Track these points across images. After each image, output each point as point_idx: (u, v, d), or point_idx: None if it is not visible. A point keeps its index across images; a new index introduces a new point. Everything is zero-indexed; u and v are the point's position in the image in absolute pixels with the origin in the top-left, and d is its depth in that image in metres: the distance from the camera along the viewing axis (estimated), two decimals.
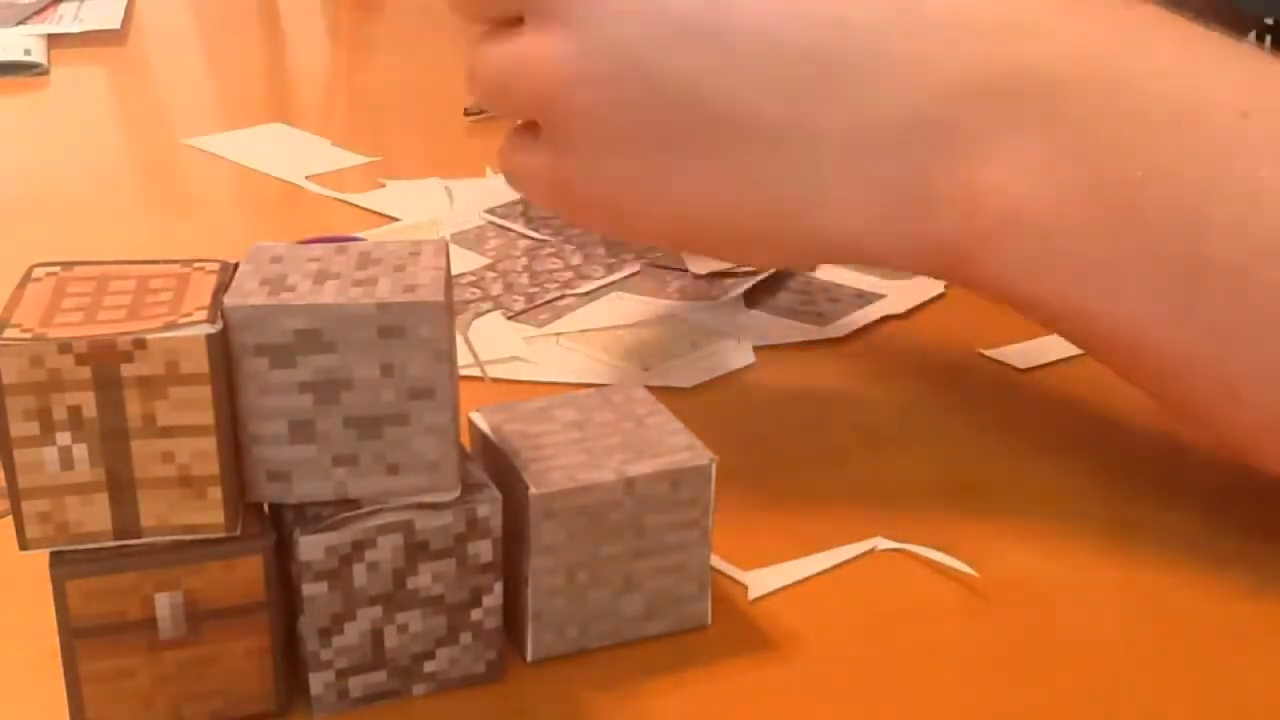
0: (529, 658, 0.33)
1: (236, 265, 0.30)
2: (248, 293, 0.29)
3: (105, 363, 0.27)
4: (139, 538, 0.29)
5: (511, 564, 0.32)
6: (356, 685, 0.31)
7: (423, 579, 0.30)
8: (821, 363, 0.48)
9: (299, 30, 0.98)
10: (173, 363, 0.27)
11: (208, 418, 0.28)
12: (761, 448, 0.43)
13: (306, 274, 0.30)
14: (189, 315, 0.28)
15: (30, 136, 0.74)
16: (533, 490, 0.31)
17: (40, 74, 0.84)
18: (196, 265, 0.30)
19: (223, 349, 0.28)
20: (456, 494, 0.30)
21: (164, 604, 0.29)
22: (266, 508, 0.30)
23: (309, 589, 0.30)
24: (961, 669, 0.33)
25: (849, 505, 0.39)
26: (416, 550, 0.30)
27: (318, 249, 0.31)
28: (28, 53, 0.86)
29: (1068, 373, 0.47)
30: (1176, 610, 0.35)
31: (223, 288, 0.29)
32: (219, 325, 0.28)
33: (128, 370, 0.27)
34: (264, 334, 0.28)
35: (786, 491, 0.40)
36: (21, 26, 0.92)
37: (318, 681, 0.30)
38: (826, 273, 0.54)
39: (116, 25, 0.93)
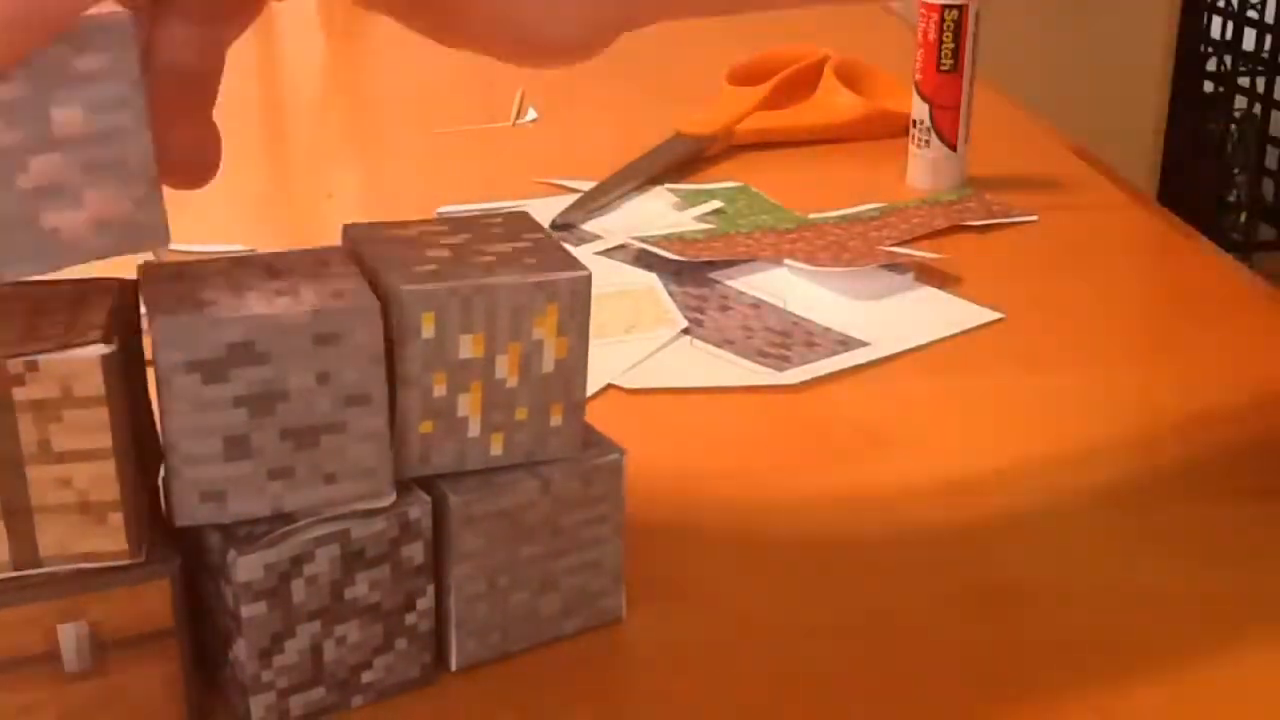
0: (453, 666, 0.33)
1: (135, 284, 0.30)
2: (171, 309, 0.28)
3: None
4: (38, 568, 0.28)
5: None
6: (297, 704, 0.31)
7: (359, 588, 0.31)
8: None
9: (294, 27, 0.97)
10: (67, 385, 0.27)
11: (105, 441, 0.27)
12: (759, 449, 0.44)
13: (219, 288, 0.29)
14: (83, 335, 0.27)
15: None
16: (452, 498, 0.32)
17: None
18: (92, 285, 0.30)
19: (120, 369, 0.27)
20: (392, 499, 0.30)
21: (68, 635, 0.28)
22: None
23: (248, 610, 0.29)
24: (963, 669, 0.34)
25: (847, 505, 0.40)
26: (353, 559, 0.30)
27: (213, 263, 0.31)
28: None
29: (1066, 373, 0.48)
30: (1176, 610, 0.36)
31: (120, 308, 0.29)
32: (114, 345, 0.27)
33: (20, 394, 0.27)
34: (195, 350, 0.28)
35: (784, 492, 0.41)
36: None
37: (259, 704, 0.30)
38: (814, 314, 0.52)
39: None
